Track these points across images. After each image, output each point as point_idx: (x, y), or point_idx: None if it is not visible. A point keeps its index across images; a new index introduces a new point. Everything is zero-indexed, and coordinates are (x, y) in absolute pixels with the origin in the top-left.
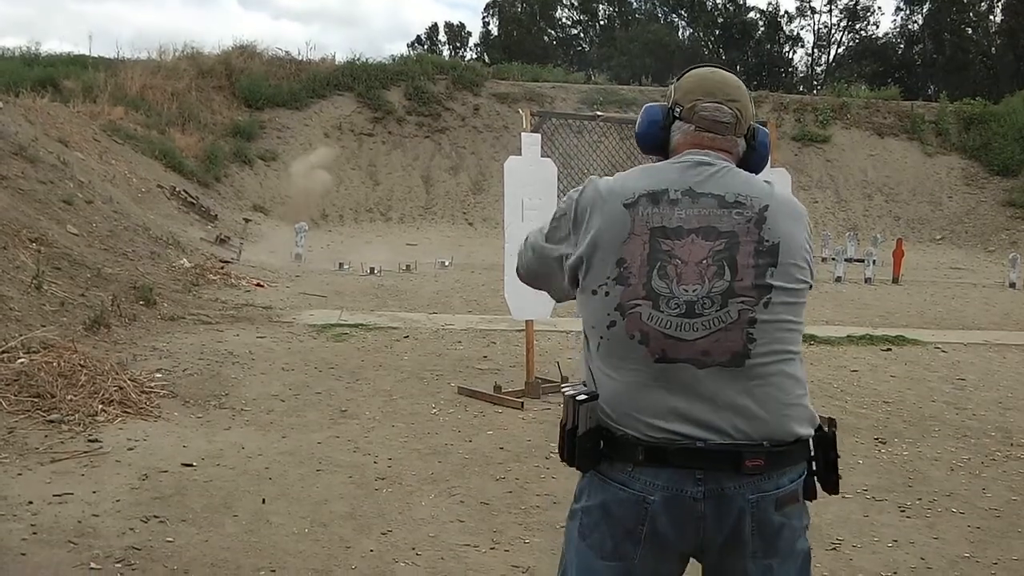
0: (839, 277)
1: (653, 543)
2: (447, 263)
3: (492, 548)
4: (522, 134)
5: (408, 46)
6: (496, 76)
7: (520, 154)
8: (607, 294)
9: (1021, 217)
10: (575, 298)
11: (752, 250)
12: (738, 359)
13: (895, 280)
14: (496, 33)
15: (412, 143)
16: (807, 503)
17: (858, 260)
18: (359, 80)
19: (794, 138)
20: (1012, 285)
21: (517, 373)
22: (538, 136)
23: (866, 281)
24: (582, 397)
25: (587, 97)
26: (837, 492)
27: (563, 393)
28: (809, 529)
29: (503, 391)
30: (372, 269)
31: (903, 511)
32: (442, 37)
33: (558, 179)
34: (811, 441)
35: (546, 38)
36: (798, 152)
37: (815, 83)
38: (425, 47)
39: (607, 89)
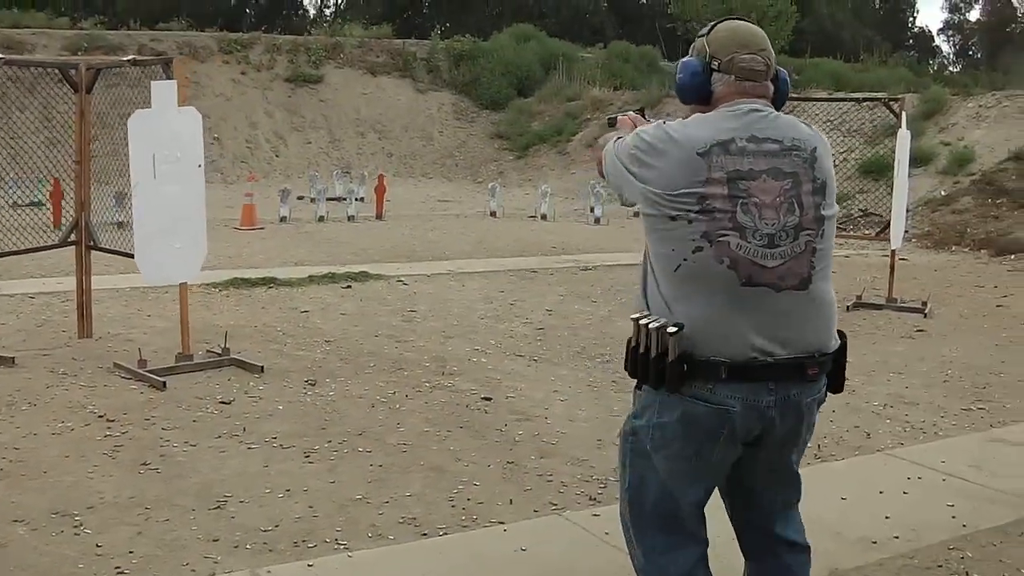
0: (322, 217)
1: (730, 441)
2: None
3: None
4: None
5: None
6: None
7: None
8: (690, 222)
9: (508, 149)
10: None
11: (810, 188)
12: (804, 283)
13: (379, 216)
14: None
15: None
16: None
17: (340, 199)
18: None
19: (287, 79)
20: (493, 214)
21: None
22: None
23: (349, 219)
24: (673, 330)
25: (72, 43)
26: (841, 391)
27: (639, 324)
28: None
29: None
30: None
31: (307, 457)
32: None
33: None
34: None
35: None
36: (291, 93)
37: (316, 24)
38: None
39: (93, 34)
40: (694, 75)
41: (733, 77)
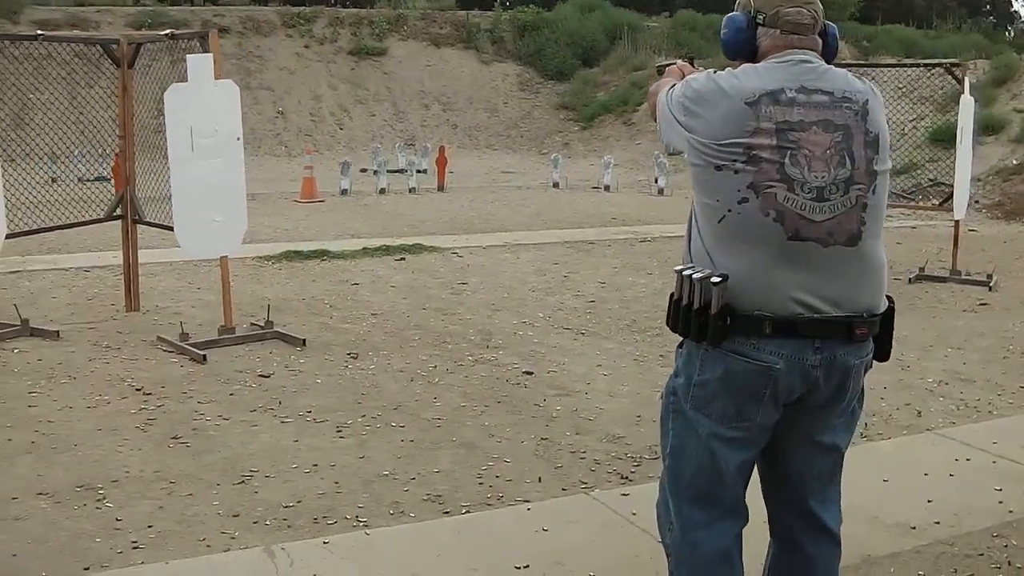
0: (383, 189)
1: (773, 402)
2: None
3: None
4: None
5: None
6: (36, 2)
7: None
8: (736, 172)
9: (573, 119)
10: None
11: (862, 141)
12: (853, 240)
13: (440, 188)
14: None
15: None
16: None
17: (402, 171)
18: None
19: (350, 52)
20: (555, 185)
21: None
22: None
23: (411, 191)
24: (717, 279)
25: (135, 20)
26: (887, 359)
27: (683, 275)
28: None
29: None
30: None
31: (339, 431)
32: None
33: None
34: None
35: None
36: (355, 66)
37: None
38: None
39: (156, 11)
40: (739, 30)
41: (779, 31)
